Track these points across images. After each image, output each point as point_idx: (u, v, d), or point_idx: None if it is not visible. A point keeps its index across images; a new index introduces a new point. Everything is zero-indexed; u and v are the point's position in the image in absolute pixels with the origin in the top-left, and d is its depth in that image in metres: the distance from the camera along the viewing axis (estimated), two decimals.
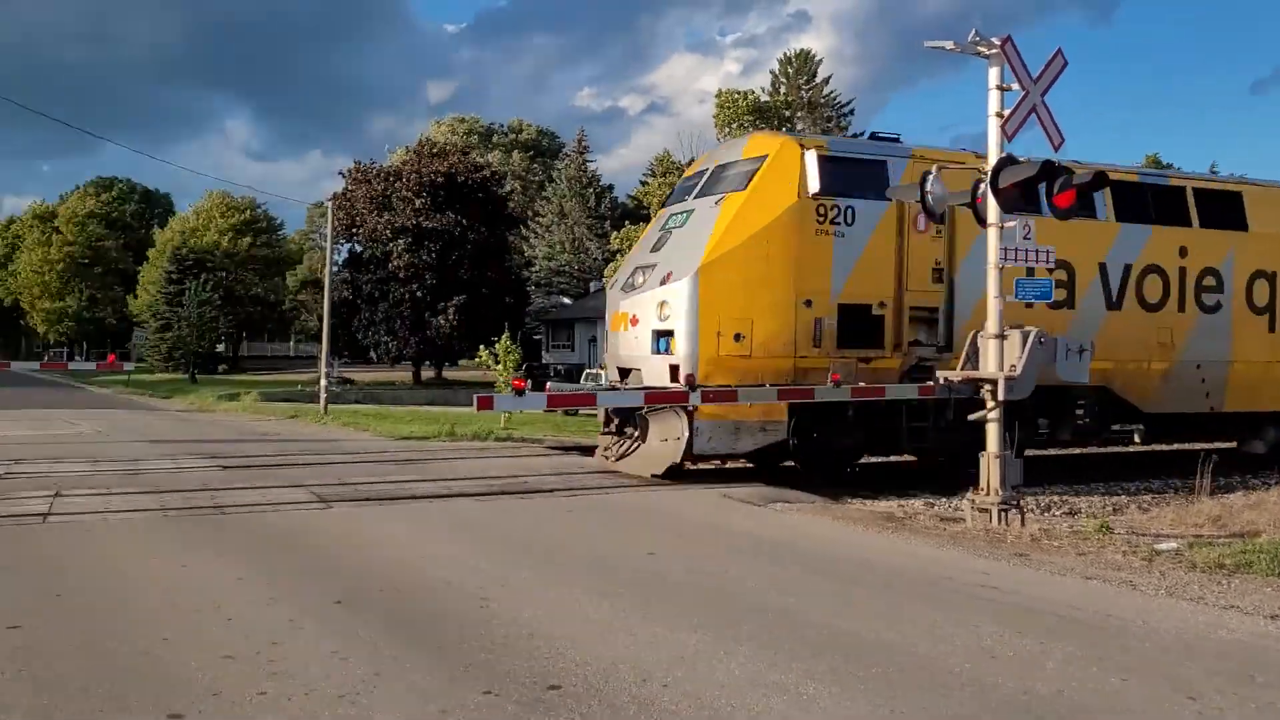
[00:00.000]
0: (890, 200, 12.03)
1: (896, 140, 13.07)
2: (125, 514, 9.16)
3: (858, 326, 12.08)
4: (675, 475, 11.75)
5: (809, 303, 11.83)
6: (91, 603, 6.04)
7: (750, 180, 12.09)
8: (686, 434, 11.37)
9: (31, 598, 6.12)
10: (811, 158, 11.96)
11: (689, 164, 20.28)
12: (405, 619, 5.74)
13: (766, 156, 12.23)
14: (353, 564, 7.29)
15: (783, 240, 11.83)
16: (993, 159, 9.47)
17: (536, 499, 10.51)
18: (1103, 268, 13.32)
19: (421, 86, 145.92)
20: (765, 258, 11.75)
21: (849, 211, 12.04)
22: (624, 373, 12.96)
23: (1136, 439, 14.49)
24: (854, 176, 12.23)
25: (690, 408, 11.07)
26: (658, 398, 11.38)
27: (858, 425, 12.11)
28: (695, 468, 12.52)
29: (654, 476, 11.67)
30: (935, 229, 12.30)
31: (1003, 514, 9.21)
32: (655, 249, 12.89)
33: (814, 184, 11.88)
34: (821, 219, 11.94)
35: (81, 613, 5.80)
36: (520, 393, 10.99)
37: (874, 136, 13.47)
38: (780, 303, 11.75)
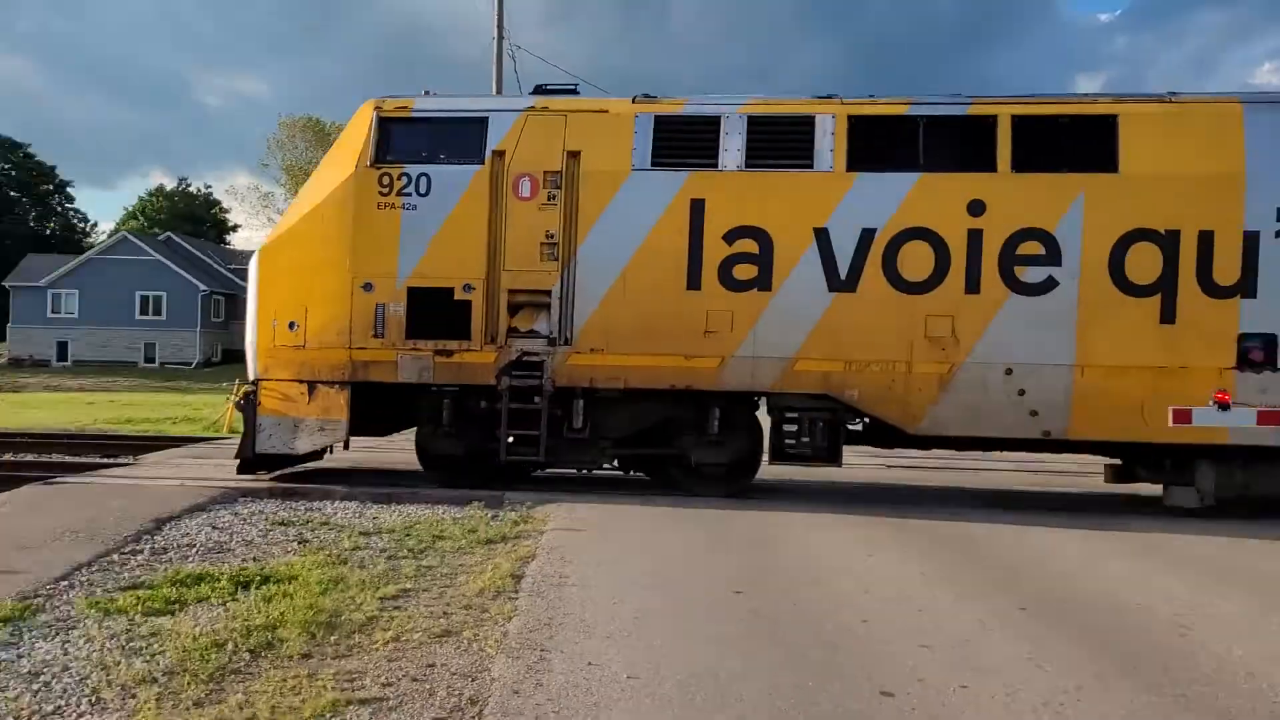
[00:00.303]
0: (482, 163, 10.08)
1: (573, 91, 10.72)
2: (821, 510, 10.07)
3: (435, 313, 10.18)
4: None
5: (369, 286, 10.22)
6: (794, 580, 6.73)
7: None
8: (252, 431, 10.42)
9: (746, 570, 6.99)
10: (373, 120, 10.32)
11: None
12: (1098, 635, 5.53)
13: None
14: (1028, 573, 7.19)
15: (338, 217, 10.28)
16: None
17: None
18: (822, 234, 9.84)
19: (1070, 81, 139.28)
20: (323, 238, 10.32)
21: (422, 179, 10.19)
22: None
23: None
24: (438, 138, 10.37)
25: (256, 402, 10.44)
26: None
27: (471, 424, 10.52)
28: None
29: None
30: (547, 194, 10.08)
31: None
32: None
33: (372, 150, 10.27)
34: (386, 190, 10.22)
35: (787, 587, 6.49)
36: None
37: (539, 89, 10.77)
38: (335, 288, 10.25)
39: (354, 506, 9.40)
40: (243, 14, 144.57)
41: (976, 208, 9.73)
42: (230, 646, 5.07)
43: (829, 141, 9.92)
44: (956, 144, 9.92)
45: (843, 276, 9.84)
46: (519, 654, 4.92)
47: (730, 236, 9.91)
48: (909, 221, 9.78)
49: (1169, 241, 9.55)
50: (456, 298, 10.17)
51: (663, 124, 10.12)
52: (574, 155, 10.09)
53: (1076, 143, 9.76)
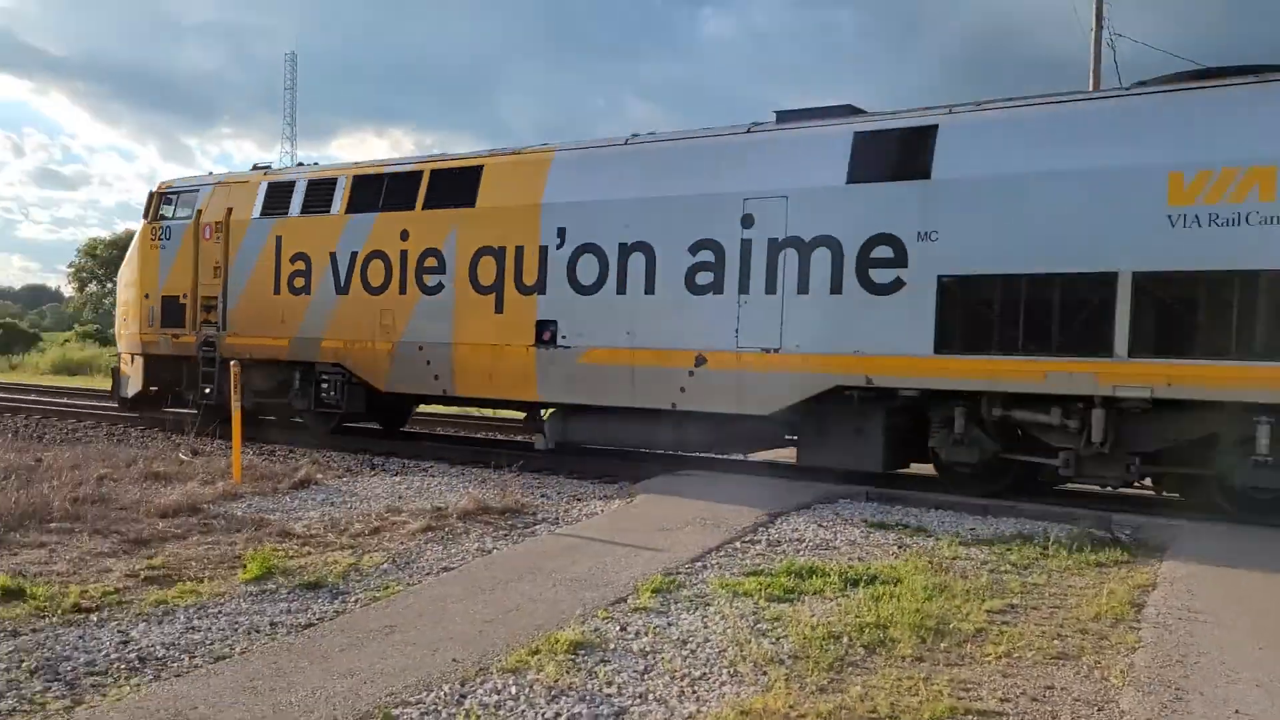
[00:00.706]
0: (191, 219, 16.53)
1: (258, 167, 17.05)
2: None
3: (172, 312, 16.62)
4: None
5: (148, 295, 16.95)
6: None
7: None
8: None
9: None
10: (152, 195, 17.39)
11: None
12: None
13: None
14: None
15: (138, 253, 17.40)
16: None
17: None
18: (333, 256, 14.84)
19: None
20: (133, 265, 17.65)
21: (167, 229, 16.92)
22: None
23: None
24: (176, 204, 17.01)
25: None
26: None
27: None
28: None
29: None
30: (217, 237, 16.20)
31: None
32: None
33: (150, 212, 17.28)
34: (154, 237, 17.05)
35: None
36: None
37: (255, 168, 17.03)
38: (137, 296, 17.19)
39: (950, 516, 9.42)
40: (826, 38, 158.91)
41: (404, 235, 14.22)
42: (845, 640, 5.42)
43: (340, 195, 15.02)
44: (401, 191, 14.43)
45: (343, 284, 14.84)
46: (1150, 690, 4.67)
47: (293, 259, 15.38)
48: (373, 246, 14.54)
49: (500, 255, 13.24)
50: (180, 302, 16.75)
51: (270, 188, 15.89)
52: (229, 211, 16.26)
53: (455, 187, 13.88)
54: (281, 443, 14.88)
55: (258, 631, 5.77)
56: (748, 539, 8.12)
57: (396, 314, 14.24)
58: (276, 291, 15.53)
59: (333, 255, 14.91)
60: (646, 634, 5.65)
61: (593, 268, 12.46)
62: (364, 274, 14.56)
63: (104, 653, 5.35)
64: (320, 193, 15.25)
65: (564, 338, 12.69)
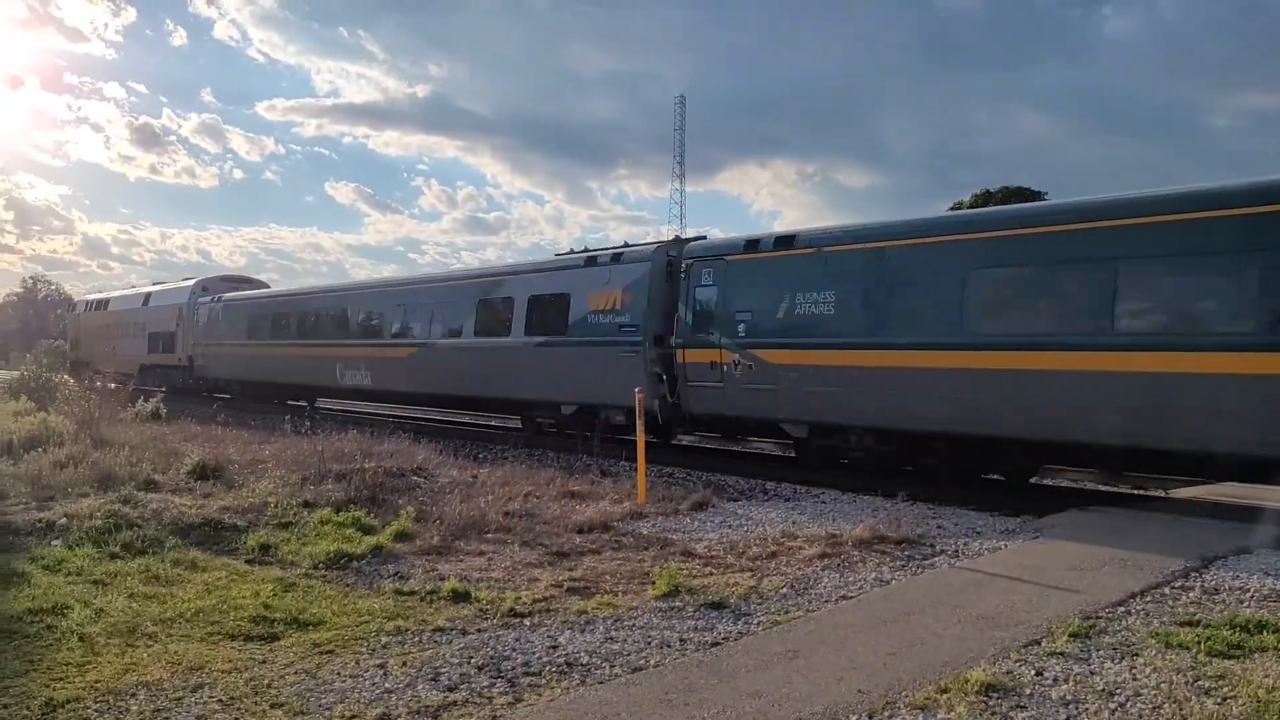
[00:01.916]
0: None
1: None
2: None
3: None
4: None
5: None
6: None
7: None
8: None
9: None
10: None
11: None
12: None
13: None
14: None
15: None
16: None
17: None
18: None
19: None
20: None
21: None
22: None
23: None
24: None
25: None
26: None
27: None
28: None
29: None
30: None
31: None
32: None
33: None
34: None
35: None
36: None
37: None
38: None
39: None
40: (1252, 21, 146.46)
41: None
42: None
43: None
44: None
45: None
46: None
47: None
48: None
49: None
50: None
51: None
52: None
53: None
54: (679, 465, 15.57)
55: (668, 646, 6.08)
56: (1177, 585, 7.36)
57: None
58: None
59: None
60: (1066, 681, 5.27)
61: None
62: None
63: (536, 655, 5.90)
64: None
65: None
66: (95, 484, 11.33)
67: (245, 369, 30.55)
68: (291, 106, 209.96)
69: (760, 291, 14.65)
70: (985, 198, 51.98)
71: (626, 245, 17.99)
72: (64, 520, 9.45)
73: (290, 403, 28.70)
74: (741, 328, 14.77)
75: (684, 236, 18.43)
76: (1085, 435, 11.26)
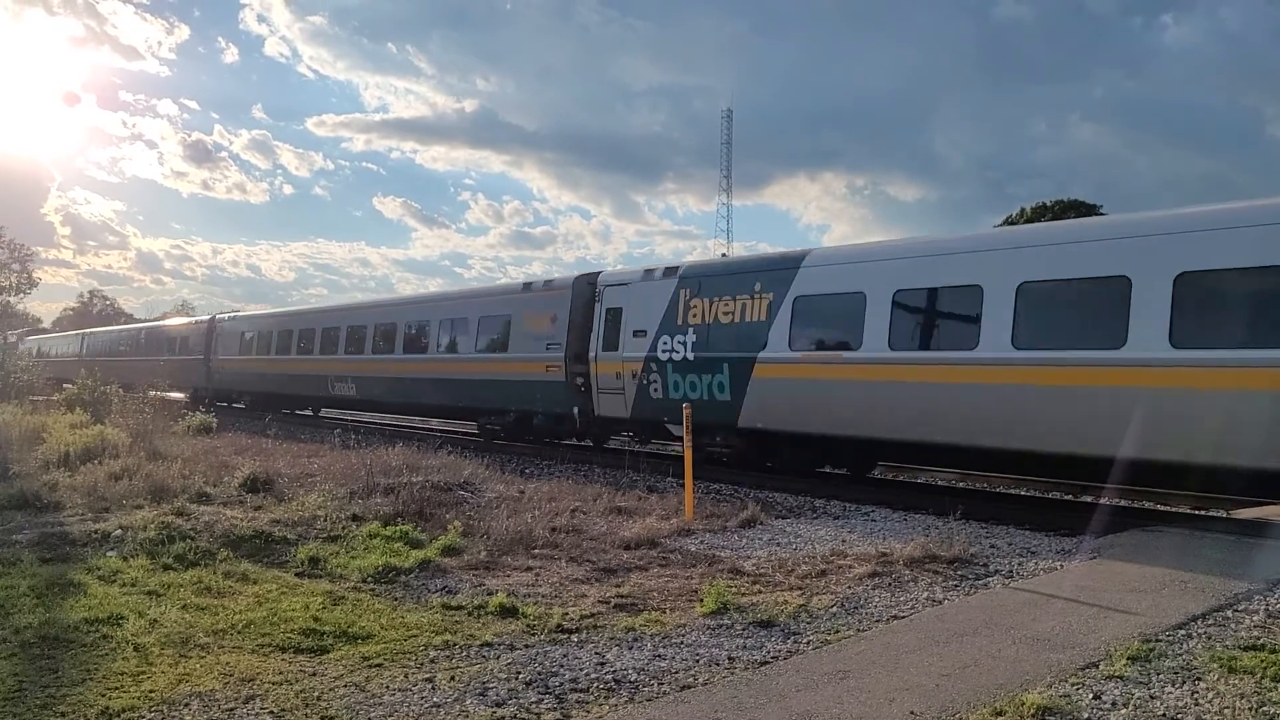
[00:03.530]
0: None
1: None
2: None
3: None
4: None
5: None
6: None
7: None
8: None
9: None
10: None
11: None
12: None
13: None
14: None
15: None
16: None
17: None
18: None
19: None
20: None
21: None
22: None
23: None
24: None
25: None
26: None
27: None
28: None
29: None
30: None
31: None
32: None
33: None
34: None
35: None
36: None
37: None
38: None
39: None
40: None
41: None
42: None
43: None
44: None
45: None
46: None
47: None
48: None
49: None
50: None
51: None
52: None
53: None
54: (726, 482, 15.49)
55: (717, 664, 6.02)
56: (1240, 607, 7.13)
57: None
58: None
59: None
60: (1125, 705, 5.14)
61: None
62: None
63: (585, 671, 5.86)
64: None
65: None
66: (149, 496, 11.49)
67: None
68: (340, 122, 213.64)
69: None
70: (1040, 211, 51.37)
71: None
72: (119, 531, 9.60)
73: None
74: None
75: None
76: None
